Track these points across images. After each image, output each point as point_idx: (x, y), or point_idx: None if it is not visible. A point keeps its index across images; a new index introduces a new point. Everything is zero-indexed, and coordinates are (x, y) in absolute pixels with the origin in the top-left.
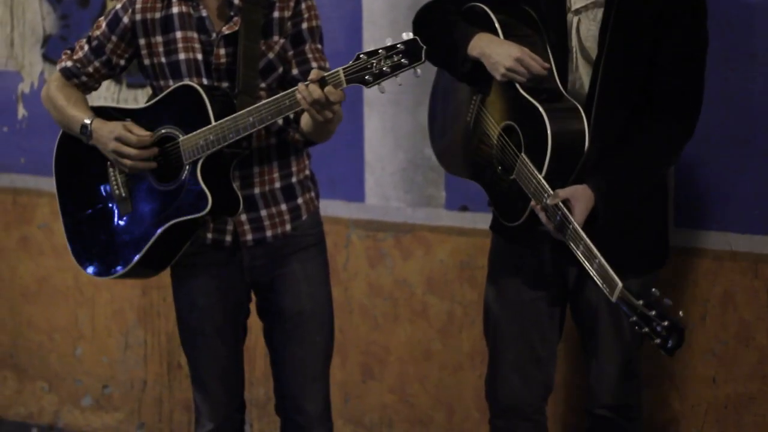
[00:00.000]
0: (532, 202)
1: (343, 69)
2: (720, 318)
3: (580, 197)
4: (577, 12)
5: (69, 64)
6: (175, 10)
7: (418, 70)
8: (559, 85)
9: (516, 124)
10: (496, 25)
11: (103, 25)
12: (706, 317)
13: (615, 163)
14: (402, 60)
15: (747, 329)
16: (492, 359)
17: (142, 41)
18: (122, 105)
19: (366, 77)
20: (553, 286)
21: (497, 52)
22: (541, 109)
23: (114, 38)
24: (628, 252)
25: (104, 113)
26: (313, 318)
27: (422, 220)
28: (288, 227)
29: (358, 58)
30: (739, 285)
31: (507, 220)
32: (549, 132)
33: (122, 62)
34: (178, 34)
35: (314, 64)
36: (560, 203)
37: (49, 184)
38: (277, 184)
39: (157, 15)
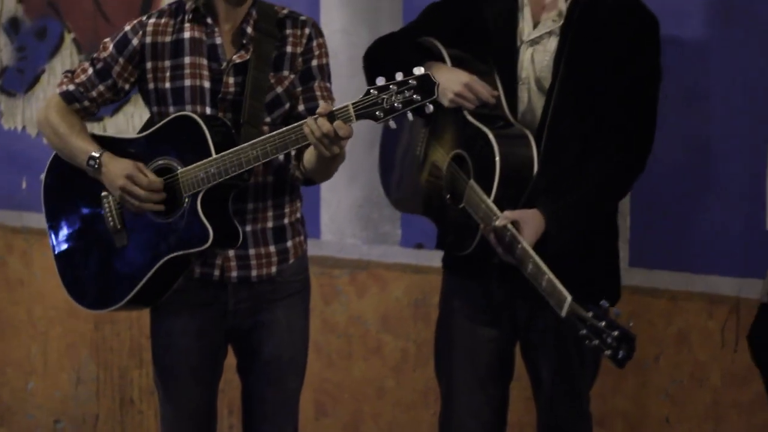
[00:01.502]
0: (482, 226)
1: (353, 104)
2: (674, 358)
3: (529, 220)
4: (532, 43)
5: (71, 87)
6: (186, 34)
7: (430, 106)
8: (508, 114)
9: (465, 152)
10: (446, 57)
11: (110, 46)
12: (661, 357)
13: (565, 191)
14: (414, 96)
15: (701, 370)
16: (445, 401)
17: (149, 65)
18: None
19: (376, 113)
20: (504, 325)
21: (446, 77)
22: (489, 133)
23: (121, 60)
24: (582, 285)
25: (100, 142)
26: (290, 364)
27: (377, 257)
28: (274, 269)
29: (368, 93)
30: (693, 325)
31: (457, 250)
32: (497, 155)
33: (127, 86)
34: (187, 60)
35: (321, 102)
36: (509, 225)
37: (2, 216)
38: (269, 224)
39: (168, 39)
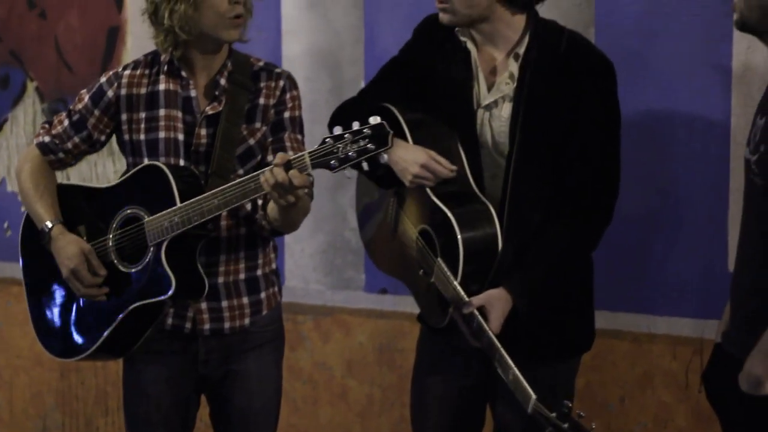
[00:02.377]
0: (451, 309)
1: (309, 153)
2: (639, 400)
3: (495, 302)
4: (488, 107)
5: (47, 139)
6: (161, 86)
7: (385, 156)
8: (472, 182)
9: (430, 229)
10: (404, 128)
11: (86, 98)
12: (625, 399)
13: (532, 262)
14: (368, 145)
15: (666, 411)
16: None
17: (124, 116)
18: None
19: (331, 162)
20: (477, 377)
21: (404, 158)
22: (450, 215)
23: (97, 112)
24: (556, 337)
25: (71, 192)
26: (261, 414)
27: (342, 302)
28: (247, 321)
29: (324, 142)
30: (657, 367)
31: (431, 323)
32: (459, 239)
33: (103, 138)
34: (162, 112)
35: (291, 153)
36: (475, 311)
37: None
38: (242, 275)
39: (143, 91)
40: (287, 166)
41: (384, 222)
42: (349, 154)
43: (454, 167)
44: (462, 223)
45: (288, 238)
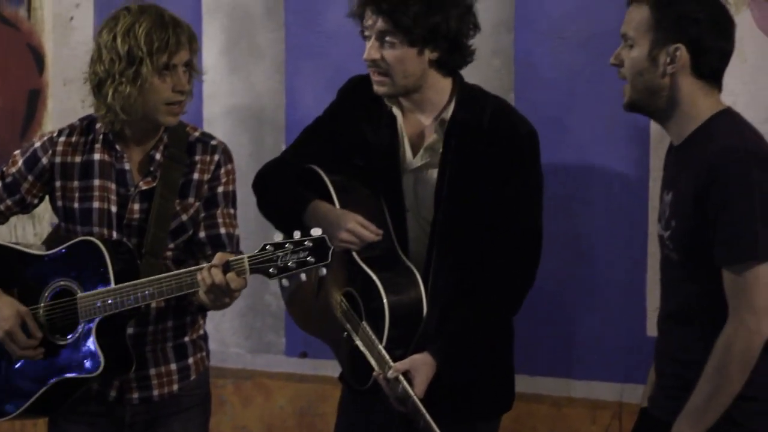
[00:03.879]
0: (375, 372)
1: (249, 257)
2: None
3: (419, 367)
4: (413, 172)
5: None
6: (96, 156)
7: (324, 270)
8: (397, 247)
9: (355, 292)
10: (331, 190)
11: (20, 162)
12: None
13: (456, 327)
14: (308, 258)
15: None
16: None
17: (58, 183)
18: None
19: (270, 270)
20: None
21: (330, 222)
22: (376, 279)
23: (30, 178)
24: (478, 398)
25: (4, 252)
26: None
27: (262, 366)
28: (175, 387)
29: (264, 248)
30: (577, 431)
31: (354, 384)
32: (386, 303)
33: (36, 201)
34: (96, 182)
35: (222, 230)
36: (400, 377)
37: None
38: (170, 343)
39: (78, 159)
40: (225, 267)
41: (306, 283)
42: (289, 264)
43: (380, 231)
44: (388, 288)
45: None
